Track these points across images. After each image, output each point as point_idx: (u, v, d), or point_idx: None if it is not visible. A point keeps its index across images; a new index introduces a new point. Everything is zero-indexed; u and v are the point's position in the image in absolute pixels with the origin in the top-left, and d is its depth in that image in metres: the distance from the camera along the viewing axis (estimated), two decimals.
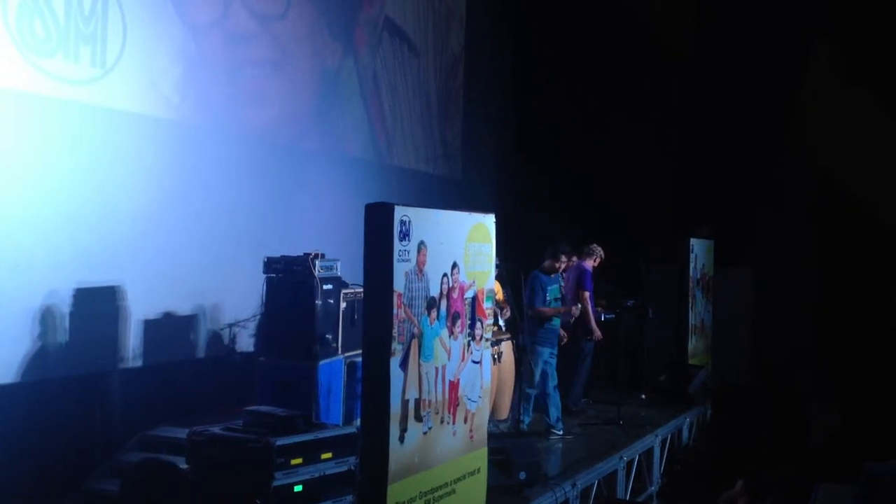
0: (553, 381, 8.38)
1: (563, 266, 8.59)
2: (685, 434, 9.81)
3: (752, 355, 12.32)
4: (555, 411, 8.38)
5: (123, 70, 7.08)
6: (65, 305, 6.55)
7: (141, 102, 7.29)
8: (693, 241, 11.20)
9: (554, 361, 8.44)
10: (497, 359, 7.97)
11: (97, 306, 6.83)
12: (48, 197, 6.44)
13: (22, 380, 6.21)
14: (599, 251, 9.43)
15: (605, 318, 9.91)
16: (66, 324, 6.56)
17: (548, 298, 8.40)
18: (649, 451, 8.67)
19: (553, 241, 8.61)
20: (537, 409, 8.58)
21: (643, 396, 10.40)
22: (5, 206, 6.11)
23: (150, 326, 7.31)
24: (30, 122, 6.35)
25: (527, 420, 8.27)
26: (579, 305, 8.75)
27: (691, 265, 11.08)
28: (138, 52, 7.21)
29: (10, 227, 6.14)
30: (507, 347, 8.29)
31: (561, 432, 8.33)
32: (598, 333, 9.20)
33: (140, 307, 7.19)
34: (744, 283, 12.50)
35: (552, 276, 8.49)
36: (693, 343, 11.21)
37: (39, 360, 6.33)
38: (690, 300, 11.06)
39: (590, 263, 9.36)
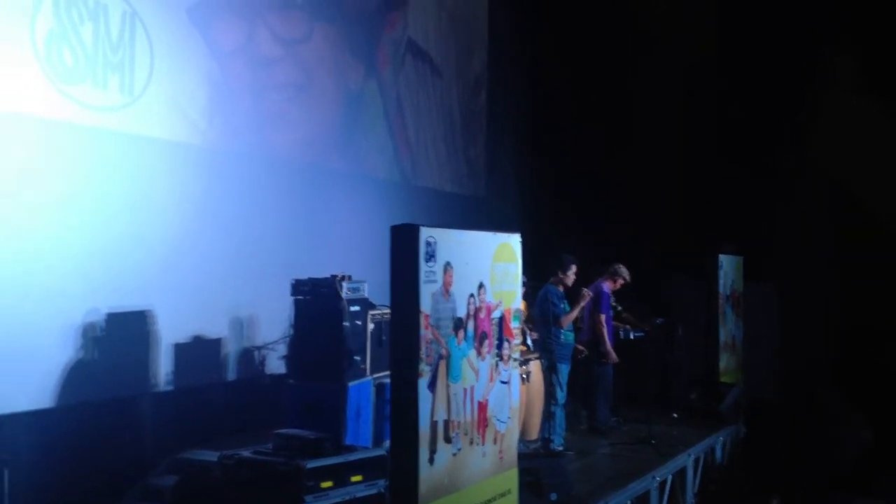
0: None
1: (571, 278, 8.49)
2: (718, 453, 9.69)
3: (783, 372, 12.17)
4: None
5: (151, 97, 7.17)
6: (97, 330, 6.61)
7: (168, 128, 7.37)
8: (721, 257, 11.10)
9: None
10: (525, 378, 7.93)
11: (128, 331, 6.88)
12: (79, 223, 6.51)
13: (55, 404, 6.27)
14: (624, 272, 9.33)
15: (633, 336, 9.82)
16: (99, 348, 6.61)
17: (566, 309, 8.35)
18: (682, 471, 8.57)
19: (560, 255, 8.55)
20: (567, 429, 8.52)
21: (675, 415, 10.29)
22: (37, 233, 6.18)
23: (181, 350, 7.35)
24: (59, 149, 6.43)
25: (557, 440, 8.21)
26: (590, 292, 8.64)
27: (720, 281, 10.98)
28: (165, 79, 7.30)
29: (43, 253, 6.21)
30: (535, 367, 8.25)
31: (560, 448, 8.23)
32: (612, 357, 9.12)
33: (170, 331, 7.24)
34: (772, 298, 12.36)
35: (562, 288, 8.44)
36: (724, 360, 11.08)
37: (72, 384, 6.38)
38: (720, 317, 10.95)
39: (609, 285, 9.28)
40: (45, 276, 6.20)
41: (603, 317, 9.03)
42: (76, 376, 6.41)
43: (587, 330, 9.12)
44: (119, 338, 6.76)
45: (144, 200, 7.06)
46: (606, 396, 9.42)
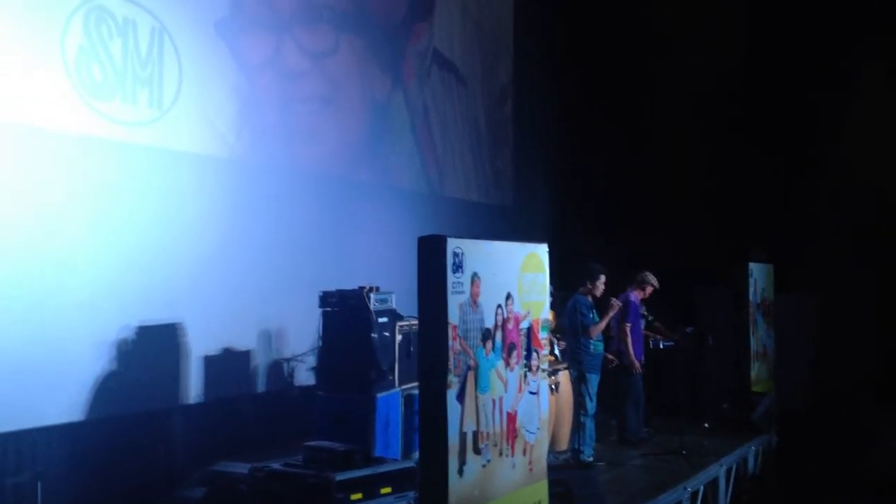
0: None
1: (600, 288, 8.42)
2: (751, 463, 9.57)
3: (816, 381, 12.02)
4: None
5: (180, 111, 7.23)
6: (128, 343, 6.66)
7: (197, 142, 7.43)
8: (751, 265, 10.99)
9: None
10: (554, 389, 7.89)
11: (159, 343, 6.94)
12: (109, 236, 6.57)
13: (87, 417, 6.32)
14: (651, 279, 9.27)
15: (663, 345, 9.75)
16: (130, 361, 6.66)
17: (595, 319, 8.30)
18: (714, 482, 8.47)
19: (586, 264, 8.50)
20: (598, 439, 8.46)
21: (706, 425, 10.18)
22: (69, 247, 6.25)
23: (211, 362, 7.39)
24: (90, 164, 6.50)
25: (587, 451, 8.15)
26: (619, 302, 8.57)
27: (750, 290, 10.86)
28: (194, 93, 7.36)
29: (75, 266, 6.28)
30: (564, 377, 8.21)
31: (590, 459, 8.16)
32: (636, 366, 9.03)
33: (200, 343, 7.28)
34: (805, 307, 12.22)
35: (590, 298, 8.38)
36: (756, 369, 10.96)
37: (104, 397, 6.44)
38: (751, 325, 10.83)
39: (638, 294, 9.22)
40: (76, 290, 6.26)
41: (629, 326, 8.97)
42: (108, 389, 6.46)
43: (617, 339, 9.07)
44: (150, 351, 6.81)
45: (174, 214, 7.12)
46: (637, 406, 9.34)
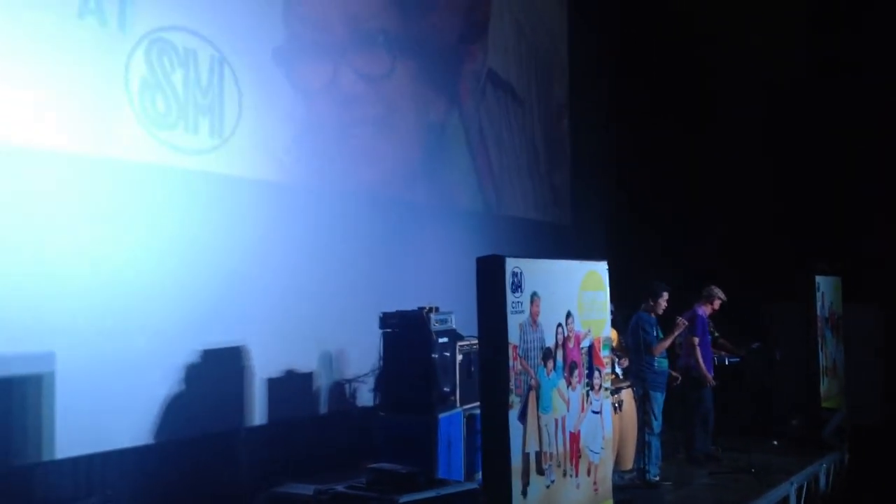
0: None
1: (663, 305, 8.32)
2: (822, 481, 9.33)
3: (887, 395, 11.68)
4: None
5: (240, 138, 7.36)
6: (193, 367, 6.77)
7: (257, 167, 7.55)
8: (818, 278, 10.75)
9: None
10: (618, 407, 7.80)
11: (223, 366, 7.03)
12: (174, 262, 6.70)
13: (155, 440, 6.43)
14: (718, 293, 9.12)
15: (729, 361, 9.57)
16: (195, 384, 6.76)
17: (659, 336, 8.19)
18: (785, 500, 8.27)
19: (651, 282, 8.40)
20: (664, 458, 8.33)
21: (775, 443, 9.97)
22: (135, 273, 6.38)
23: (274, 384, 7.47)
24: (153, 192, 6.65)
25: (653, 470, 8.02)
26: (685, 321, 8.44)
27: (818, 303, 10.63)
28: (253, 120, 7.48)
29: (140, 292, 6.41)
30: (627, 396, 8.11)
31: (657, 478, 8.02)
32: (708, 379, 8.87)
33: (264, 366, 7.36)
34: (873, 319, 11.90)
35: (653, 315, 8.27)
36: (825, 385, 10.69)
37: (170, 420, 6.54)
38: (820, 340, 10.58)
39: (706, 309, 9.08)
40: (142, 314, 6.39)
41: (697, 339, 8.83)
42: (174, 412, 6.57)
43: (684, 355, 8.93)
44: (214, 373, 6.91)
45: (236, 239, 7.23)
46: (705, 424, 9.17)
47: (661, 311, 8.30)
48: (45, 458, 5.79)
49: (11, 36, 5.69)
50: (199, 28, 7.03)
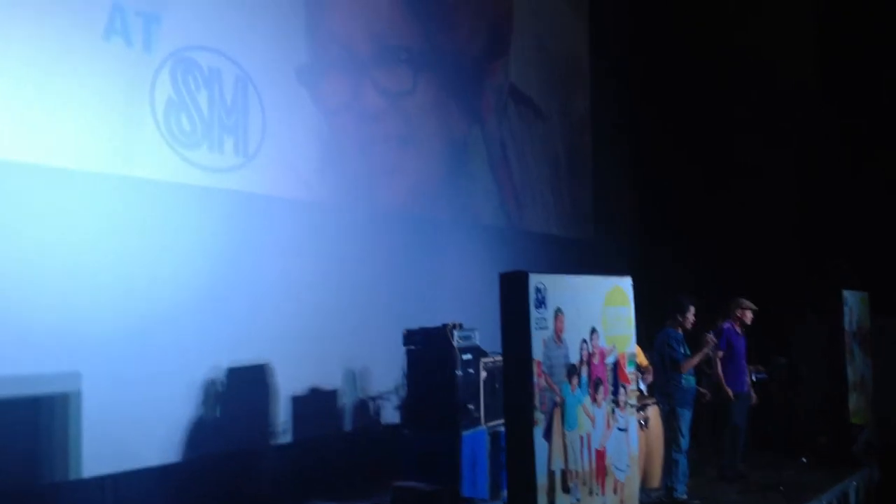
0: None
1: (690, 320, 8.23)
2: (852, 499, 9.18)
3: None
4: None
5: (264, 156, 7.41)
6: (218, 385, 6.80)
7: (281, 185, 7.59)
8: (845, 292, 10.63)
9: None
10: (644, 424, 7.73)
11: (248, 384, 7.06)
12: (200, 280, 6.74)
13: (181, 458, 6.46)
14: (744, 303, 8.99)
15: (756, 378, 9.46)
16: (220, 402, 6.79)
17: (686, 353, 8.11)
18: None
19: (677, 297, 8.32)
20: (692, 476, 8.24)
21: (803, 460, 9.84)
22: (160, 291, 6.43)
23: (298, 402, 7.48)
24: (179, 211, 6.70)
25: (680, 488, 7.94)
26: (714, 338, 8.33)
27: (845, 318, 10.50)
28: (277, 138, 7.54)
29: (165, 310, 6.45)
30: (653, 412, 8.03)
31: (684, 496, 7.92)
32: (728, 394, 8.74)
33: (288, 383, 7.39)
34: None
35: (680, 331, 8.19)
36: (854, 400, 10.54)
37: (195, 438, 6.57)
38: (847, 355, 10.45)
39: (733, 322, 8.97)
40: (168, 333, 6.43)
41: (720, 354, 8.73)
42: (199, 430, 6.60)
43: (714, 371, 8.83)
44: (239, 391, 6.94)
45: (259, 256, 7.27)
46: (733, 441, 9.07)
47: (689, 326, 8.22)
48: (72, 476, 5.83)
49: (40, 58, 5.77)
50: (223, 48, 7.10)
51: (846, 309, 10.54)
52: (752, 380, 9.22)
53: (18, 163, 5.64)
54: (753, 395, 8.99)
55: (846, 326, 10.48)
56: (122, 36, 6.32)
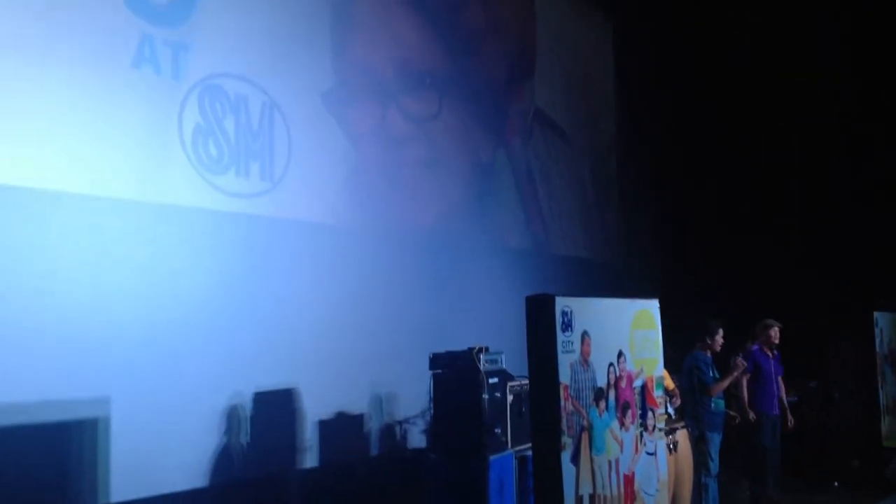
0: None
1: (719, 343, 8.15)
2: None
3: None
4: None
5: (290, 181, 7.46)
6: (245, 409, 6.81)
7: (307, 210, 7.63)
8: (877, 314, 10.50)
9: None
10: (672, 448, 7.64)
11: (275, 409, 7.06)
12: (227, 305, 6.77)
13: (209, 483, 6.46)
14: (769, 322, 8.88)
15: (787, 402, 9.34)
16: (247, 427, 6.80)
17: (715, 376, 8.03)
18: None
19: (705, 320, 8.25)
20: (724, 501, 8.13)
21: (836, 484, 9.69)
22: (187, 315, 6.46)
23: (325, 426, 7.47)
24: (206, 236, 6.75)
25: None
26: (743, 361, 8.24)
27: (877, 340, 10.37)
28: (303, 164, 7.59)
29: (192, 334, 6.48)
30: (682, 436, 7.94)
31: None
32: (750, 415, 8.60)
33: (315, 408, 7.38)
34: None
35: (709, 354, 8.12)
36: (887, 423, 10.39)
37: (221, 463, 6.58)
38: (879, 377, 10.31)
39: (760, 344, 8.88)
40: (195, 358, 6.45)
41: (746, 377, 8.63)
42: (227, 455, 6.61)
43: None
44: (266, 416, 6.94)
45: (286, 281, 7.29)
46: (763, 464, 8.93)
47: (718, 349, 8.15)
48: (101, 501, 5.84)
49: (70, 86, 5.85)
50: (250, 74, 7.17)
51: (877, 331, 10.43)
52: (785, 403, 9.08)
53: (49, 190, 5.70)
54: (790, 417, 8.87)
55: (878, 348, 10.36)
56: (152, 64, 6.40)
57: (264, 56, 7.32)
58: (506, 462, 6.79)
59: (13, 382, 5.35)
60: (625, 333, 5.55)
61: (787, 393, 9.13)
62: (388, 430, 8.15)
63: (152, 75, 6.41)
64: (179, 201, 6.55)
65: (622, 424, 5.41)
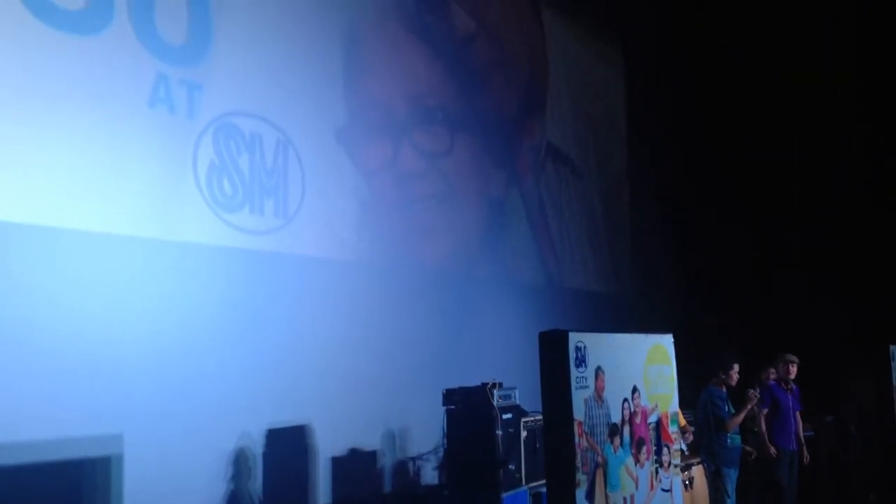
0: None
1: (734, 377, 8.09)
2: None
3: None
4: None
5: (303, 217, 7.50)
6: (257, 446, 6.79)
7: (320, 246, 7.67)
8: (893, 347, 10.41)
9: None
10: (688, 485, 7.58)
11: (287, 446, 7.04)
12: (238, 340, 6.79)
13: None
14: (785, 357, 8.83)
15: (803, 436, 9.26)
16: (259, 464, 6.78)
17: (731, 411, 7.97)
18: None
19: (718, 353, 8.20)
20: None
21: None
22: (198, 352, 6.47)
23: (338, 463, 7.44)
24: (219, 274, 6.78)
25: None
26: (756, 393, 8.16)
27: (893, 374, 10.27)
28: (316, 200, 7.63)
29: (205, 371, 6.48)
30: (698, 472, 7.89)
31: None
32: (770, 450, 8.52)
33: (327, 444, 7.36)
34: None
35: (724, 389, 8.06)
36: None
37: (234, 500, 6.55)
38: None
39: (776, 378, 8.81)
40: (208, 395, 6.45)
41: (764, 412, 8.57)
42: (240, 492, 6.59)
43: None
44: (279, 453, 6.92)
45: (299, 317, 7.31)
46: (783, 501, 8.84)
47: (733, 384, 8.09)
48: None
49: (86, 126, 5.92)
50: (264, 112, 7.25)
51: (894, 364, 10.34)
52: (801, 438, 9.00)
53: (63, 229, 5.76)
54: (806, 453, 8.79)
55: (894, 382, 10.26)
56: (166, 103, 6.48)
57: (278, 95, 7.40)
58: (520, 499, 6.75)
59: (27, 420, 5.37)
60: (639, 369, 5.53)
61: (803, 427, 9.06)
62: (401, 467, 8.10)
63: (167, 114, 6.48)
64: (194, 239, 6.60)
65: (637, 461, 5.37)
